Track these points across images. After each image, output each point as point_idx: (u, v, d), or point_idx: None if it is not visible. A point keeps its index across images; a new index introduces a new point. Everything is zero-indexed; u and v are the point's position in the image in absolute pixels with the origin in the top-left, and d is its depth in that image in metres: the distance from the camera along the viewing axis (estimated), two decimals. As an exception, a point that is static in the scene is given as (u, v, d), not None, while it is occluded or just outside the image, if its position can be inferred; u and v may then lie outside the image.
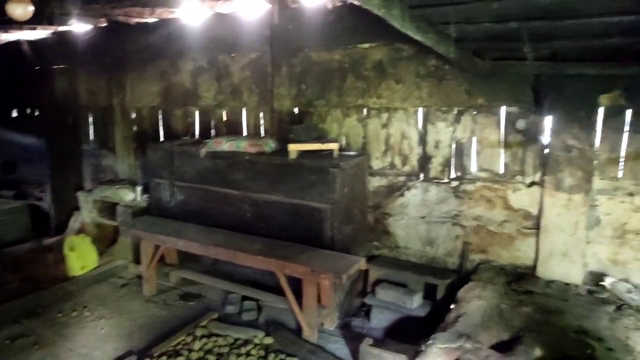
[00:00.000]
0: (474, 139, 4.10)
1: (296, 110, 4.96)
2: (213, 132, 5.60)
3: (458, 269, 4.17)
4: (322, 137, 4.55)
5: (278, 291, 4.11)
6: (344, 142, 4.65)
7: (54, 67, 6.93)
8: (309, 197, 4.13)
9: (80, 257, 5.12)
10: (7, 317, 4.32)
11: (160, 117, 6.07)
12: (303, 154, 4.25)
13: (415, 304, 3.89)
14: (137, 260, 5.25)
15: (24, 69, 7.18)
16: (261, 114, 5.22)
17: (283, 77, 4.87)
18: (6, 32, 6.59)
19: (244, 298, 4.42)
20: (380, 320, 4.04)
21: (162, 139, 6.02)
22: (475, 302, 3.43)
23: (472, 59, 3.72)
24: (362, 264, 3.81)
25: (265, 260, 3.88)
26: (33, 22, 5.07)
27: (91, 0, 4.31)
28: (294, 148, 4.21)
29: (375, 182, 4.55)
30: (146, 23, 5.71)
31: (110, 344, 3.95)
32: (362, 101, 4.53)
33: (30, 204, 6.64)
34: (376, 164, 4.55)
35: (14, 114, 7.64)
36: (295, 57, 4.83)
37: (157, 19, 5.59)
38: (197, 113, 5.73)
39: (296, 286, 3.83)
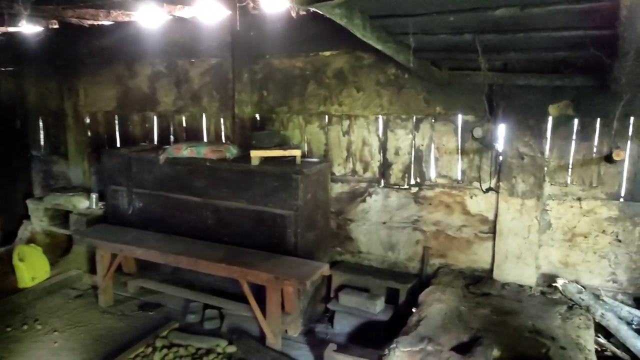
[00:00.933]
0: (433, 146, 4.22)
1: (258, 116, 4.95)
2: (172, 138, 5.50)
3: (419, 273, 4.27)
4: (284, 144, 4.55)
5: (241, 299, 4.08)
6: (306, 148, 4.68)
7: (0, 69, 6.60)
8: (272, 203, 4.13)
9: (31, 267, 4.88)
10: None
11: (116, 122, 5.90)
12: (265, 160, 4.24)
13: (378, 309, 3.95)
14: (92, 270, 5.05)
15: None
16: (222, 120, 5.18)
17: (244, 83, 4.85)
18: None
19: (206, 306, 4.35)
20: (343, 325, 4.08)
21: (118, 144, 5.85)
22: (435, 305, 3.52)
23: (429, 69, 3.85)
24: (325, 269, 3.84)
25: (227, 267, 3.84)
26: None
27: (43, 1, 4.14)
28: (256, 154, 4.19)
29: (337, 189, 4.60)
30: (101, 25, 5.54)
31: (64, 358, 3.79)
32: (324, 108, 4.58)
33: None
34: (338, 170, 4.60)
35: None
36: (256, 64, 4.83)
37: (112, 22, 5.44)
38: (155, 118, 5.61)
39: (259, 293, 3.80)
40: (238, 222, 4.36)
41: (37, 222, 5.74)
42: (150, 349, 3.80)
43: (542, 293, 3.71)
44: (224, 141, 5.12)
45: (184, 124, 5.43)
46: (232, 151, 4.50)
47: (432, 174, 4.25)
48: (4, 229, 6.10)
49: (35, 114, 6.47)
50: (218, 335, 4.01)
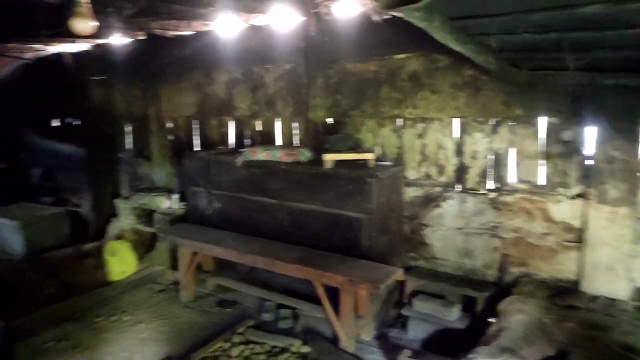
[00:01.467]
0: (512, 150, 4.06)
1: (331, 120, 5.01)
2: (248, 141, 5.69)
3: (497, 281, 4.12)
4: (357, 147, 4.57)
5: (314, 300, 4.15)
6: (379, 152, 4.66)
7: (92, 78, 7.15)
8: (346, 206, 4.16)
9: (120, 262, 5.25)
10: (48, 321, 4.45)
11: (195, 126, 6.20)
12: (339, 163, 4.28)
13: (453, 316, 3.86)
14: (174, 267, 5.36)
15: (64, 80, 7.44)
16: (295, 124, 5.29)
17: (318, 87, 4.93)
18: (48, 45, 6.85)
19: (280, 306, 4.46)
20: (417, 331, 4.02)
21: (197, 148, 6.14)
22: (516, 315, 3.38)
23: (510, 70, 3.71)
24: (399, 274, 3.81)
25: (302, 269, 3.92)
26: (75, 35, 5.28)
27: (132, 14, 4.45)
28: (329, 158, 4.24)
29: (411, 193, 4.55)
30: (182, 35, 5.86)
31: (149, 348, 4.04)
32: (398, 111, 4.55)
33: (69, 210, 6.84)
34: (412, 174, 4.55)
35: (54, 123, 7.90)
36: (330, 68, 4.89)
37: (192, 32, 5.73)
38: (231, 123, 5.83)
39: (332, 295, 3.85)
40: (312, 224, 4.43)
41: (125, 220, 6.16)
42: (228, 345, 3.96)
43: (637, 308, 3.45)
44: (297, 145, 5.23)
45: (259, 128, 5.60)
46: (305, 154, 4.59)
47: (512, 178, 4.09)
48: (96, 226, 6.60)
49: (122, 119, 6.95)
50: (292, 335, 4.10)
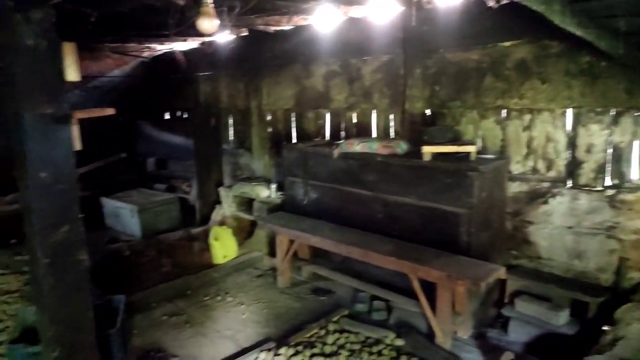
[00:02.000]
0: (636, 144, 3.67)
1: (428, 111, 4.89)
2: (343, 133, 5.75)
3: (613, 286, 3.77)
4: (457, 139, 4.42)
5: (407, 293, 4.12)
6: (480, 144, 4.47)
7: (200, 74, 7.66)
8: (444, 200, 4.05)
9: (223, 246, 5.60)
10: (163, 297, 4.87)
11: (293, 119, 6.39)
12: (437, 156, 4.18)
13: (561, 321, 3.61)
14: (271, 253, 5.60)
15: (176, 76, 8.07)
16: (391, 116, 5.24)
17: (416, 78, 4.83)
18: (161, 43, 7.44)
19: (373, 297, 4.48)
20: (519, 334, 3.82)
21: (294, 140, 6.33)
22: (636, 325, 3.08)
23: (636, 54, 3.35)
24: (501, 272, 3.64)
25: (398, 261, 3.89)
26: (186, 33, 5.68)
27: (242, 12, 4.67)
28: (428, 150, 4.15)
29: (515, 188, 4.31)
30: (282, 30, 6.06)
31: (250, 328, 4.27)
32: (502, 102, 4.31)
33: (179, 196, 7.43)
34: (516, 168, 4.30)
35: (166, 116, 8.60)
36: (429, 58, 4.76)
37: (292, 26, 5.90)
38: (328, 115, 5.93)
39: (426, 290, 3.78)
40: (408, 217, 4.38)
41: (227, 207, 6.55)
42: (323, 332, 4.06)
43: None
44: (393, 137, 5.19)
45: (355, 120, 5.64)
46: (402, 147, 4.53)
47: (635, 175, 3.70)
48: (202, 212, 7.10)
49: (226, 112, 7.37)
50: (385, 327, 4.10)
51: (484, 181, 3.92)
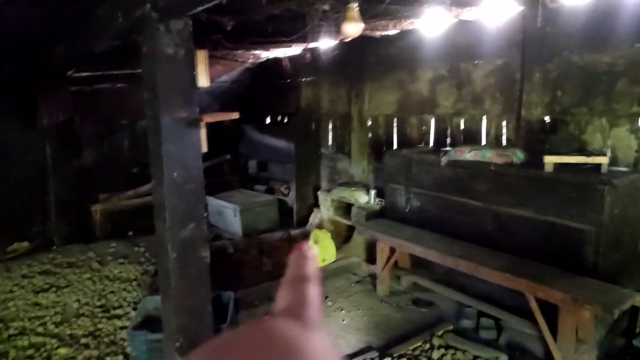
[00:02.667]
0: None
1: (547, 119, 4.54)
2: (449, 140, 5.54)
3: None
4: (583, 150, 4.05)
5: (519, 313, 3.85)
6: (609, 155, 4.05)
7: (302, 79, 7.84)
8: (568, 215, 3.72)
9: (323, 250, 5.48)
10: (265, 295, 5.00)
11: (394, 124, 6.29)
12: (560, 167, 3.85)
13: None
14: (369, 260, 5.54)
15: (279, 82, 8.33)
16: (504, 123, 4.95)
17: (535, 83, 4.51)
18: (267, 50, 7.72)
19: (480, 314, 4.24)
20: (654, 369, 3.40)
21: (395, 146, 6.23)
22: None
23: None
24: (637, 300, 3.26)
25: (513, 278, 3.64)
26: (293, 41, 5.82)
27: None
28: (550, 160, 3.84)
29: (652, 205, 3.85)
30: (388, 35, 5.99)
31: (351, 335, 4.23)
32: (638, 109, 3.88)
33: (278, 198, 7.64)
34: (654, 183, 3.84)
35: (268, 120, 8.91)
36: (550, 62, 4.43)
37: (398, 31, 5.81)
38: (432, 121, 5.75)
39: (543, 312, 3.49)
40: (522, 231, 4.10)
41: (325, 211, 6.61)
42: (427, 346, 3.92)
43: None
44: (505, 145, 4.89)
45: (462, 127, 5.40)
46: (518, 155, 4.25)
47: None
48: (299, 214, 7.24)
49: (327, 117, 7.45)
50: (494, 347, 3.86)
51: (617, 196, 3.54)
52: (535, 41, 4.48)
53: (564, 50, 4.33)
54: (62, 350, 4.02)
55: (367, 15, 3.69)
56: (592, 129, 4.20)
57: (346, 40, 6.45)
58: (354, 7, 2.80)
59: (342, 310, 4.70)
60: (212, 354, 0.35)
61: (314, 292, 0.43)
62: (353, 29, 2.90)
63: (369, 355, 3.74)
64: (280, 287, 0.44)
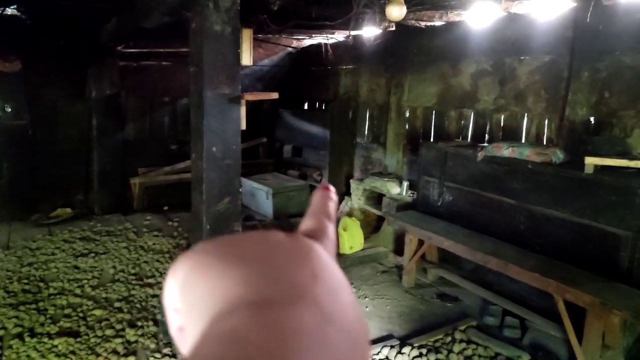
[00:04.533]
0: None
1: (592, 119, 4.41)
2: (487, 136, 5.46)
3: None
4: (627, 153, 3.93)
5: (545, 314, 3.81)
6: (655, 161, 3.92)
7: (342, 67, 7.84)
8: (604, 219, 3.63)
9: (351, 237, 5.68)
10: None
11: (433, 117, 6.23)
12: (601, 169, 3.75)
13: None
14: (397, 251, 5.55)
15: (319, 68, 8.36)
16: (546, 122, 4.83)
17: (582, 82, 4.38)
18: (309, 36, 7.75)
19: (505, 313, 4.20)
20: (685, 383, 3.30)
21: (432, 139, 6.17)
22: None
23: None
24: (670, 310, 3.16)
25: (542, 279, 3.59)
26: (336, 27, 5.82)
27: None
28: (591, 162, 3.75)
29: (695, 215, 3.70)
30: (432, 26, 5.92)
31: (373, 322, 4.27)
32: (690, 115, 3.73)
33: (310, 184, 7.71)
34: (700, 192, 3.69)
35: (306, 106, 8.96)
36: (601, 61, 4.28)
37: (444, 22, 5.73)
38: (472, 116, 5.67)
39: (570, 315, 3.44)
40: (555, 232, 4.02)
41: (356, 199, 6.64)
42: (449, 339, 3.92)
43: None
44: (545, 144, 4.78)
45: (502, 124, 5.31)
46: (558, 155, 4.15)
47: None
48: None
49: (364, 106, 7.44)
50: (518, 346, 3.82)
51: (659, 203, 3.43)
52: (586, 39, 4.35)
53: (616, 49, 4.18)
54: (97, 312, 4.23)
55: (413, 2, 3.67)
56: (639, 132, 4.06)
57: (390, 29, 6.43)
58: (398, -11, 2.80)
59: (366, 297, 4.75)
60: (223, 246, 0.33)
61: (332, 229, 0.41)
62: (397, 11, 2.90)
63: (389, 342, 3.77)
64: (304, 219, 0.41)
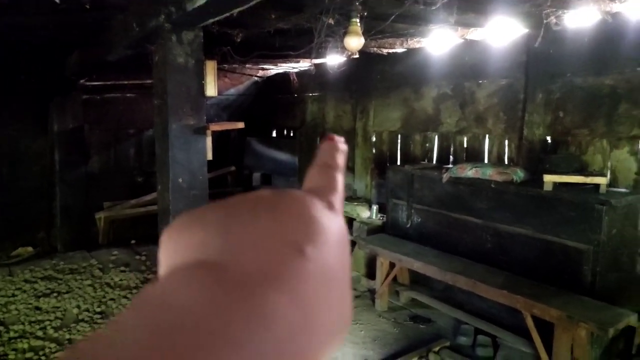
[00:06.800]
0: None
1: (549, 139, 4.60)
2: (452, 158, 5.60)
3: None
4: (583, 170, 4.10)
5: (515, 330, 3.87)
6: (609, 176, 4.10)
7: (309, 94, 7.96)
8: (566, 234, 3.76)
9: (323, 264, 5.66)
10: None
11: (399, 141, 6.36)
12: (560, 186, 3.90)
13: None
14: (369, 275, 5.55)
15: (284, 96, 8.45)
16: (506, 142, 5.01)
17: (537, 104, 4.59)
18: (274, 64, 7.85)
19: (477, 331, 4.25)
20: (652, 392, 3.39)
21: (399, 162, 6.29)
22: None
23: None
24: (632, 320, 3.27)
25: (510, 295, 3.66)
26: (300, 56, 5.94)
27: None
28: (550, 179, 3.89)
29: (650, 227, 3.88)
30: (394, 53, 6.10)
31: (347, 348, 4.23)
32: (639, 132, 3.94)
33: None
34: (652, 205, 3.88)
35: (274, 134, 9.01)
36: (554, 83, 4.51)
37: (405, 49, 5.92)
38: (436, 138, 5.82)
39: (539, 330, 3.51)
40: (520, 249, 4.13)
41: (327, 225, 6.63)
42: (424, 361, 3.93)
43: None
44: (506, 163, 4.95)
45: (465, 145, 5.47)
46: (519, 174, 4.29)
47: None
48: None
49: (331, 132, 7.51)
50: (491, 365, 3.86)
51: (615, 217, 3.58)
52: (538, 62, 4.57)
53: (567, 72, 4.41)
54: (61, 355, 4.04)
55: (372, 32, 3.79)
56: (593, 150, 4.25)
57: (353, 56, 6.59)
58: (356, 21, 2.89)
59: (340, 323, 4.71)
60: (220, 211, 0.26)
61: (340, 181, 0.34)
62: (355, 42, 2.99)
63: (365, 368, 3.75)
64: (308, 172, 0.35)
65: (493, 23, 4.33)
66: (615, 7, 3.60)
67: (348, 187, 7.16)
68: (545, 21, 3.73)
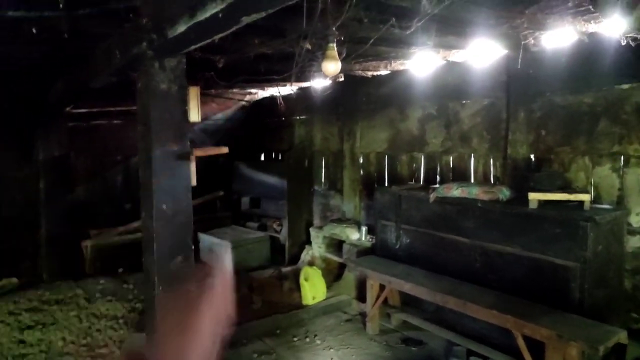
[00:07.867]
0: None
1: (532, 157, 4.66)
2: (438, 178, 5.64)
3: None
4: (566, 187, 4.14)
5: (507, 351, 3.83)
6: (592, 193, 4.15)
7: (296, 117, 8.00)
8: (552, 252, 3.77)
9: (313, 287, 5.61)
10: (253, 334, 4.93)
11: (386, 162, 6.40)
12: (545, 204, 3.93)
13: (700, 399, 3.12)
14: (360, 298, 5.50)
15: (272, 119, 8.50)
16: (491, 161, 5.06)
17: (520, 122, 4.66)
18: (261, 89, 7.91)
19: (469, 353, 4.20)
20: (645, 409, 3.35)
21: (387, 183, 6.31)
22: None
23: None
24: (622, 337, 3.26)
25: (500, 315, 3.64)
26: (284, 80, 5.99)
27: (347, 59, 4.83)
28: (535, 197, 3.92)
29: (635, 243, 3.91)
30: (379, 75, 6.19)
31: (339, 375, 4.17)
32: (619, 148, 4.00)
33: (270, 235, 7.63)
34: (636, 220, 3.91)
35: (262, 158, 9.02)
36: (534, 102, 4.59)
37: (389, 71, 6.00)
38: (422, 159, 5.87)
39: (530, 349, 3.48)
40: (509, 268, 4.12)
41: (317, 247, 6.61)
42: (416, 385, 3.86)
43: None
44: (492, 182, 4.98)
45: (451, 165, 5.51)
46: (504, 193, 4.32)
47: None
48: (290, 252, 7.22)
49: (319, 154, 7.57)
50: (484, 386, 3.81)
51: (600, 233, 3.60)
52: (519, 82, 4.66)
53: (547, 91, 4.50)
54: (44, 388, 3.92)
55: (353, 55, 3.85)
56: (576, 167, 4.31)
57: (338, 79, 6.67)
58: (332, 46, 2.93)
59: (331, 349, 4.64)
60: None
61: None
62: (332, 67, 3.02)
63: (357, 394, 3.67)
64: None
65: (473, 45, 4.42)
66: (591, 28, 3.69)
67: (337, 208, 7.16)
68: (523, 42, 3.82)
